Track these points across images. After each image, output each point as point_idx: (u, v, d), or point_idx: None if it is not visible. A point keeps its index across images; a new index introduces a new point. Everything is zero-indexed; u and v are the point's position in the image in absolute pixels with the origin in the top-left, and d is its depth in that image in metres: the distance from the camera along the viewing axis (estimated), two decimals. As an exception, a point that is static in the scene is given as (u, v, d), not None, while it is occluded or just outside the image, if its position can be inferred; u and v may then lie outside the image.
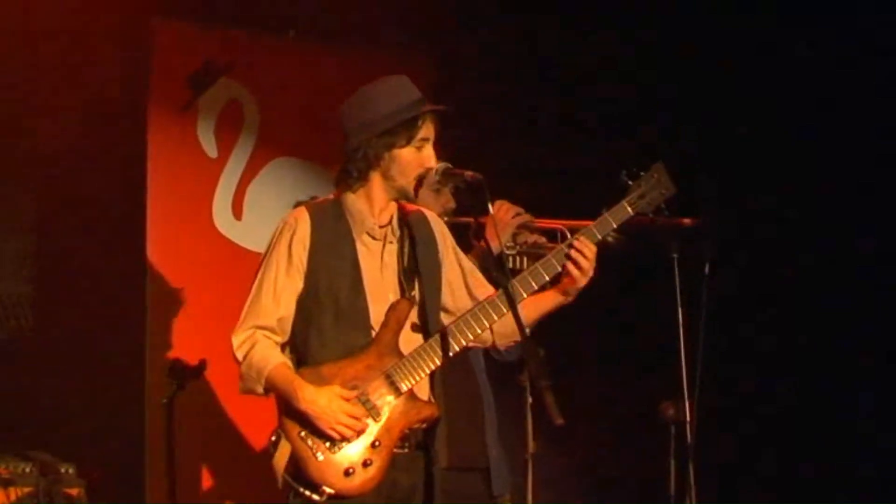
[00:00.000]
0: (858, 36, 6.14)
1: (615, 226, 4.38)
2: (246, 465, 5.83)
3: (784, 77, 6.27)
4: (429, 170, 4.21)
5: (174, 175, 5.95)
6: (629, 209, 4.38)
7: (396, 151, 4.20)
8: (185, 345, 5.76)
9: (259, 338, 4.13)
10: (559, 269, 4.30)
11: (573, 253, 4.28)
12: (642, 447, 5.56)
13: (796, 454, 6.23)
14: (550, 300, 4.38)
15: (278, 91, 6.22)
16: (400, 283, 4.24)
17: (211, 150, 6.09)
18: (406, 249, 4.27)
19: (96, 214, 5.85)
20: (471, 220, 4.67)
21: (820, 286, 6.24)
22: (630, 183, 4.40)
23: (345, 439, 4.07)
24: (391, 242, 4.26)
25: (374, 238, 4.26)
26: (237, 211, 6.12)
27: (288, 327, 4.19)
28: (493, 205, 4.60)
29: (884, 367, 6.17)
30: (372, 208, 4.25)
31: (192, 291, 5.90)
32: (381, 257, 4.25)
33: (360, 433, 4.09)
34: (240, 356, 4.13)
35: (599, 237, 4.34)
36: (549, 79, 6.58)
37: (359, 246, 4.22)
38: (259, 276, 4.20)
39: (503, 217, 5.02)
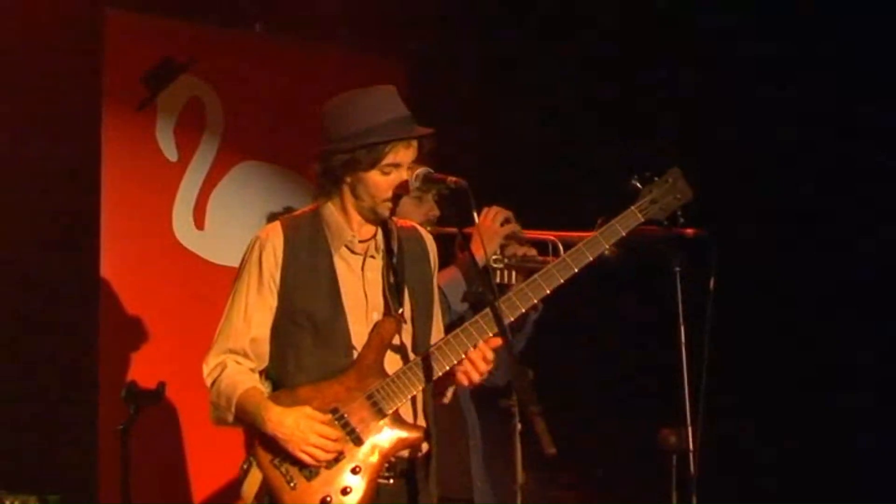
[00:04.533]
0: (857, 36, 6.13)
1: (623, 234, 4.16)
2: (208, 497, 5.64)
3: (783, 77, 6.24)
4: (405, 182, 4.01)
5: (130, 180, 5.73)
6: (639, 216, 4.18)
7: (361, 174, 4.00)
8: (142, 366, 5.58)
9: (228, 363, 4.03)
10: (561, 280, 4.08)
11: (472, 353, 4.01)
12: (642, 478, 5.40)
13: (796, 454, 6.21)
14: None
15: (244, 89, 6.01)
16: (385, 300, 4.06)
17: (171, 152, 5.86)
18: (392, 265, 4.08)
19: (45, 223, 5.63)
20: (455, 229, 4.41)
21: (820, 286, 6.23)
22: (641, 188, 4.20)
23: (319, 463, 3.90)
24: (372, 257, 4.09)
25: (353, 252, 4.08)
26: (199, 219, 5.91)
27: (263, 350, 4.05)
28: (479, 213, 4.40)
29: (884, 367, 6.17)
30: (350, 221, 4.08)
31: (149, 307, 5.69)
32: (362, 273, 4.07)
33: (337, 457, 3.91)
34: (208, 383, 4.07)
35: (607, 246, 4.15)
36: (540, 79, 6.51)
37: (336, 260, 4.06)
38: (230, 297, 4.08)
39: (490, 226, 4.82)
